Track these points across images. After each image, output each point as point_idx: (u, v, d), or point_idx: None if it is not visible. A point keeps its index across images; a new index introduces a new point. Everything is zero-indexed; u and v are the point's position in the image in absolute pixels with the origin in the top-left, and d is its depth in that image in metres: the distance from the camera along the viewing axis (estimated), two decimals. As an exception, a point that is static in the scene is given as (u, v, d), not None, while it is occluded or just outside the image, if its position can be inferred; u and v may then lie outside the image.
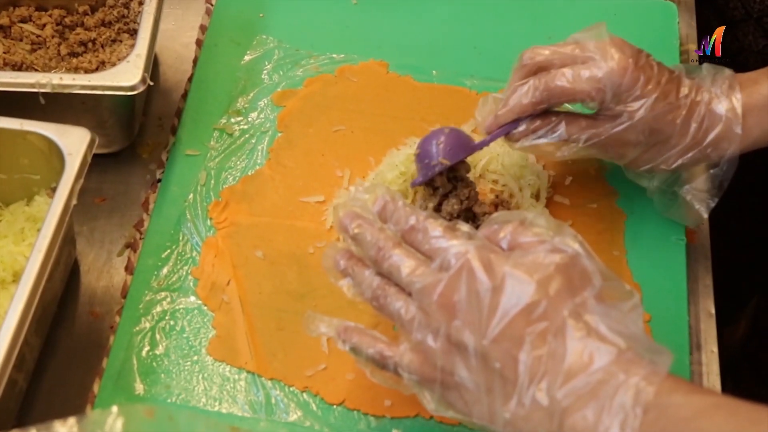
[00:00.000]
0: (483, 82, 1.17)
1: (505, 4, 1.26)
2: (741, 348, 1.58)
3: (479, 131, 1.02)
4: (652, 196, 1.04)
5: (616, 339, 0.71)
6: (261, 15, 1.25)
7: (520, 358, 0.72)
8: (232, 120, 1.14)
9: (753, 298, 1.57)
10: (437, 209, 0.99)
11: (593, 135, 0.96)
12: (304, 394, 0.93)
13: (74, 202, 0.90)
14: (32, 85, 1.00)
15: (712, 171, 0.99)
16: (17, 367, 0.84)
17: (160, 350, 0.96)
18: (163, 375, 0.95)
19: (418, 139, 1.09)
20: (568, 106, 0.99)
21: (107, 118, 1.07)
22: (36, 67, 1.12)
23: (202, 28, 1.23)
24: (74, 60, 1.14)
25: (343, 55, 1.20)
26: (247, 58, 1.20)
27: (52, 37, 1.15)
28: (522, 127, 0.98)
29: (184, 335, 0.97)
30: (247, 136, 1.12)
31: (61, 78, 1.00)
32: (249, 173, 1.09)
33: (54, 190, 0.91)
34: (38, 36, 1.15)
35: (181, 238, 1.04)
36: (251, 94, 1.16)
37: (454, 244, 0.76)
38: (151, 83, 1.03)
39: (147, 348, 0.96)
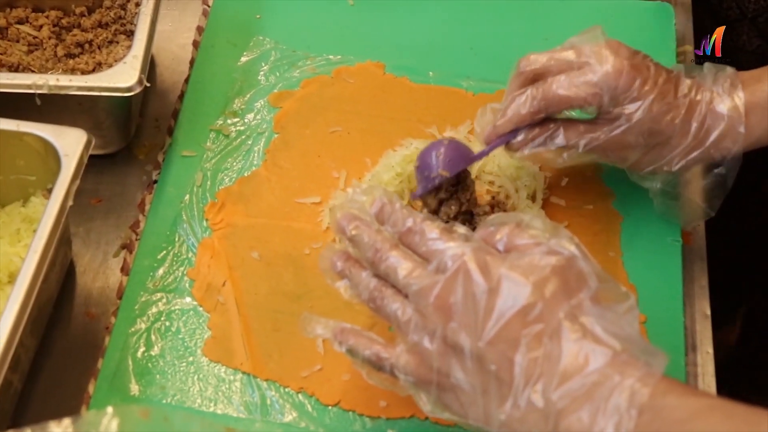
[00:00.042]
0: (479, 83, 1.17)
1: (501, 5, 1.26)
2: (735, 350, 1.58)
3: (476, 135, 1.02)
4: (655, 197, 1.03)
5: (611, 341, 0.71)
6: (258, 16, 1.25)
7: (515, 359, 0.72)
8: (229, 121, 1.14)
9: (748, 299, 1.57)
10: (436, 211, 0.99)
11: (592, 139, 0.96)
12: (300, 395, 0.93)
13: (70, 203, 0.90)
14: (29, 86, 1.00)
15: (716, 170, 0.99)
16: (12, 368, 0.84)
17: (155, 351, 0.96)
18: (158, 376, 0.95)
19: (414, 140, 1.09)
20: (566, 113, 0.99)
21: (104, 119, 1.07)
22: (33, 69, 1.12)
23: (199, 30, 1.23)
24: (71, 61, 1.14)
25: (339, 57, 1.20)
26: (243, 59, 1.20)
27: (49, 38, 1.15)
28: (521, 137, 0.98)
29: (180, 336, 0.97)
30: (243, 137, 1.13)
31: (57, 79, 1.00)
32: (245, 174, 1.09)
33: (50, 191, 0.90)
34: (35, 37, 1.15)
35: (177, 239, 1.04)
36: (248, 96, 1.16)
37: (450, 246, 0.76)
38: (148, 84, 1.03)
39: (142, 349, 0.96)
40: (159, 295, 1.00)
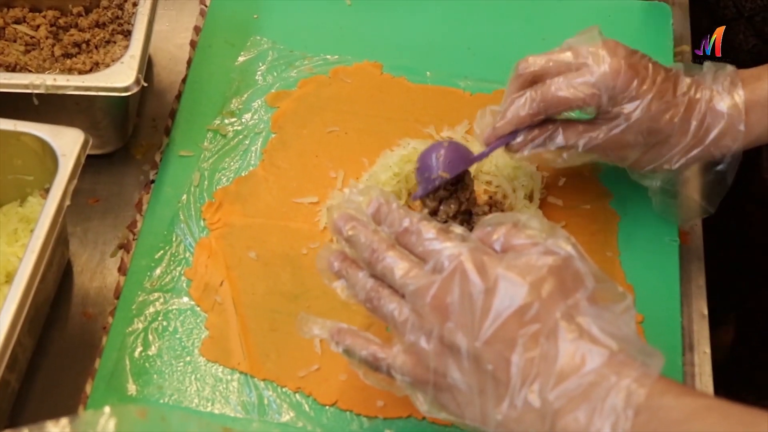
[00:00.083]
0: (477, 83, 1.17)
1: (499, 5, 1.26)
2: (731, 350, 1.58)
3: (475, 136, 1.02)
4: (654, 195, 1.03)
5: (608, 341, 0.71)
6: (255, 16, 1.25)
7: (512, 359, 0.72)
8: (226, 121, 1.14)
9: (745, 300, 1.57)
10: (436, 210, 0.99)
11: (591, 139, 0.96)
12: (297, 395, 0.94)
13: (67, 202, 0.90)
14: (26, 86, 1.00)
15: (716, 168, 0.99)
16: (10, 368, 0.84)
17: (152, 351, 0.96)
18: (155, 376, 0.95)
19: (412, 140, 1.09)
20: (565, 114, 0.99)
21: (101, 119, 1.07)
22: (30, 68, 1.12)
23: (196, 30, 1.23)
24: (68, 61, 1.14)
25: (337, 57, 1.20)
26: (241, 59, 1.20)
27: (46, 38, 1.15)
28: (520, 138, 0.98)
29: (177, 336, 0.97)
30: (240, 137, 1.13)
31: (54, 79, 1.00)
32: (242, 174, 1.09)
33: (47, 191, 0.90)
34: (32, 37, 1.15)
35: (174, 239, 1.04)
36: (245, 96, 1.16)
37: (447, 246, 0.76)
38: (145, 84, 1.03)
39: (140, 349, 0.96)
40: (156, 294, 1.00)
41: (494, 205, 1.03)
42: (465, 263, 0.74)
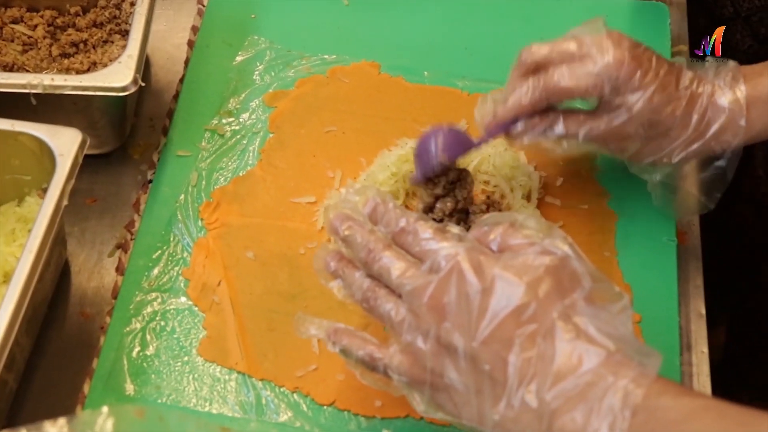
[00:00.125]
0: (475, 83, 1.17)
1: (496, 5, 1.26)
2: (724, 350, 1.58)
3: (474, 131, 1.01)
4: (654, 190, 1.03)
5: (605, 341, 0.71)
6: (253, 16, 1.25)
7: (509, 360, 0.72)
8: (224, 121, 1.14)
9: (745, 300, 1.57)
10: (432, 207, 0.99)
11: (592, 129, 0.96)
12: (295, 395, 0.94)
13: (65, 202, 0.90)
14: (24, 86, 1.00)
15: (716, 163, 0.99)
16: (7, 368, 0.84)
17: (150, 351, 0.96)
18: (153, 375, 0.95)
19: (410, 140, 1.09)
20: (567, 103, 0.99)
21: (98, 118, 1.07)
22: (27, 68, 1.12)
23: (194, 29, 1.23)
24: (66, 61, 1.14)
25: (334, 56, 1.20)
26: (238, 59, 1.20)
27: (44, 38, 1.15)
28: (520, 125, 0.98)
29: (175, 336, 0.97)
30: (238, 137, 1.13)
31: (52, 79, 1.00)
32: (240, 174, 1.09)
33: (45, 190, 0.91)
34: (29, 37, 1.15)
35: (172, 238, 1.04)
36: (243, 95, 1.16)
37: (444, 246, 0.76)
38: (143, 84, 1.03)
39: (137, 348, 0.96)
40: (154, 294, 1.00)
41: (492, 204, 1.03)
42: (462, 263, 0.74)
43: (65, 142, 0.93)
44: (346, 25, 1.24)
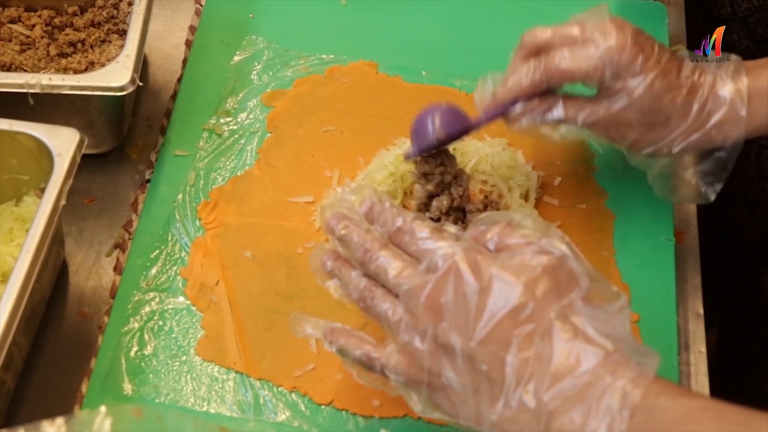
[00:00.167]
0: (472, 83, 1.16)
1: (495, 5, 1.26)
2: (718, 350, 1.58)
3: (475, 104, 1.00)
4: (654, 181, 1.03)
5: (603, 341, 0.71)
6: (250, 15, 1.25)
7: (506, 360, 0.72)
8: (222, 120, 1.14)
9: (735, 302, 1.57)
10: (427, 204, 0.99)
11: (591, 113, 0.95)
12: (293, 395, 0.94)
13: (63, 202, 0.90)
14: (21, 86, 1.00)
15: (717, 154, 0.98)
16: (5, 367, 0.84)
17: (148, 350, 0.96)
18: (151, 375, 0.95)
19: (407, 140, 1.08)
20: (567, 87, 0.98)
21: (96, 118, 1.07)
22: (25, 68, 1.12)
23: (192, 29, 1.23)
24: (63, 60, 1.13)
25: (332, 56, 1.20)
26: (236, 58, 1.20)
27: (42, 37, 1.15)
28: (519, 107, 0.97)
29: (173, 335, 0.97)
30: (236, 136, 1.13)
31: (50, 78, 1.00)
32: (238, 174, 1.09)
33: (43, 190, 0.91)
34: (27, 36, 1.15)
35: (170, 238, 1.04)
36: (240, 95, 1.16)
37: (441, 245, 0.76)
38: (141, 84, 1.03)
39: (135, 348, 0.96)
40: (152, 294, 1.00)
41: (490, 204, 1.03)
42: (459, 263, 0.74)
43: (63, 142, 0.93)
44: (344, 25, 1.24)
